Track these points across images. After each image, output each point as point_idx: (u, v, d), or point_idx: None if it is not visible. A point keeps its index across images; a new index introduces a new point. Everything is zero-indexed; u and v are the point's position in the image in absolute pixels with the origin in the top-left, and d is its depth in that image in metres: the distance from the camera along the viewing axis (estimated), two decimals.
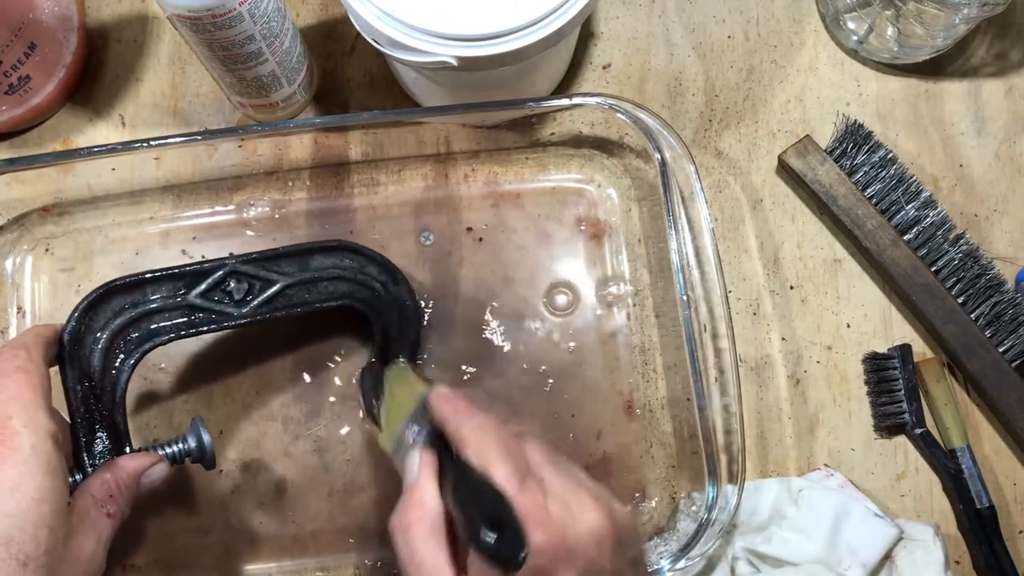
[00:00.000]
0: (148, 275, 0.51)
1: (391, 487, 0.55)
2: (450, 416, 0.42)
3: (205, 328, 0.51)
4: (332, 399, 0.56)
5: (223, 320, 0.52)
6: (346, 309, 0.54)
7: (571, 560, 0.37)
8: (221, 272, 0.52)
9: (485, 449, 0.39)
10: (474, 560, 0.37)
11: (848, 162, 0.59)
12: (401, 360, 0.51)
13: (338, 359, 0.57)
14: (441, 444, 0.42)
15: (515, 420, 0.52)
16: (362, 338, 0.56)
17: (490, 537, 0.36)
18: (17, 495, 0.37)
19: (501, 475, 0.38)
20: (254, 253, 0.53)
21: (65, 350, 0.47)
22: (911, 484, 0.57)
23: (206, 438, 0.47)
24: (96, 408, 0.47)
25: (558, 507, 0.38)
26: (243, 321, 0.52)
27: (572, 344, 0.57)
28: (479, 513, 0.37)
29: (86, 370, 0.48)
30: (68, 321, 0.48)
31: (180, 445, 0.48)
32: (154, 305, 0.51)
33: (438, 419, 0.42)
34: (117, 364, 0.49)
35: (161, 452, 0.47)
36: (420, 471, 0.41)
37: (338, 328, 0.57)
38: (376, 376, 0.51)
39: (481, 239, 0.59)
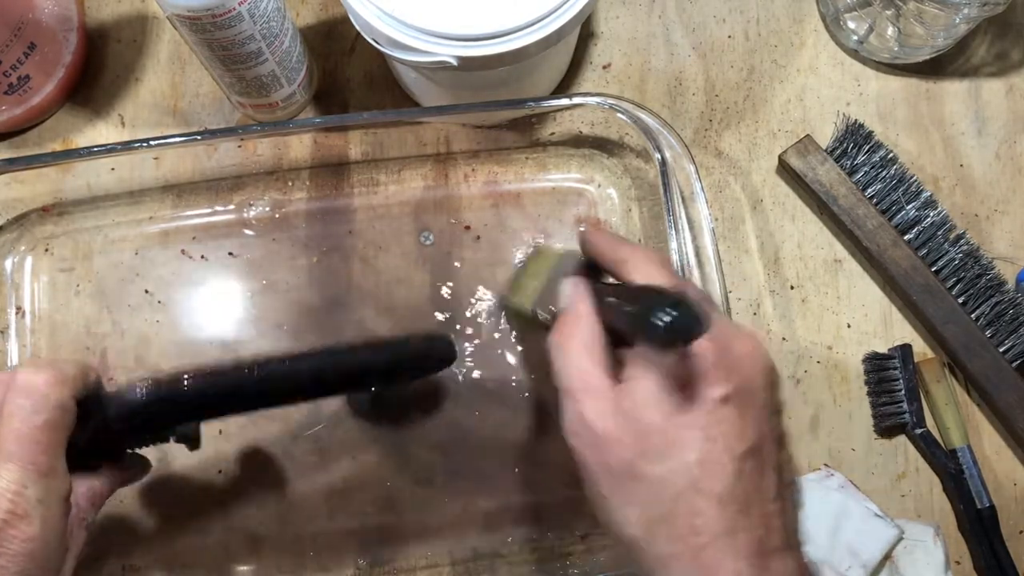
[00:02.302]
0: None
1: (391, 487, 0.55)
2: (606, 244, 0.44)
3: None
4: (331, 399, 0.56)
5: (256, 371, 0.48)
6: None
7: (732, 370, 0.37)
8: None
9: (647, 267, 0.41)
10: (637, 356, 0.38)
11: (848, 162, 0.59)
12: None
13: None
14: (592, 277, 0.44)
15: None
16: (361, 337, 0.56)
17: (666, 315, 0.35)
18: (27, 566, 0.37)
19: (667, 283, 0.40)
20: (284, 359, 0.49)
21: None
22: (911, 484, 0.57)
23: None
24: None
25: (718, 330, 0.38)
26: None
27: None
28: (648, 309, 0.36)
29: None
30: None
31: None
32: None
33: (593, 249, 0.44)
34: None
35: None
36: (574, 294, 0.43)
37: (338, 328, 0.57)
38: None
39: (481, 239, 0.59)
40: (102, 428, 0.42)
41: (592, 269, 0.45)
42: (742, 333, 0.39)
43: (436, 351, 0.52)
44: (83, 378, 0.41)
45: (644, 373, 0.38)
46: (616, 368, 0.40)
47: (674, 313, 0.35)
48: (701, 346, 0.37)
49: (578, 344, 0.40)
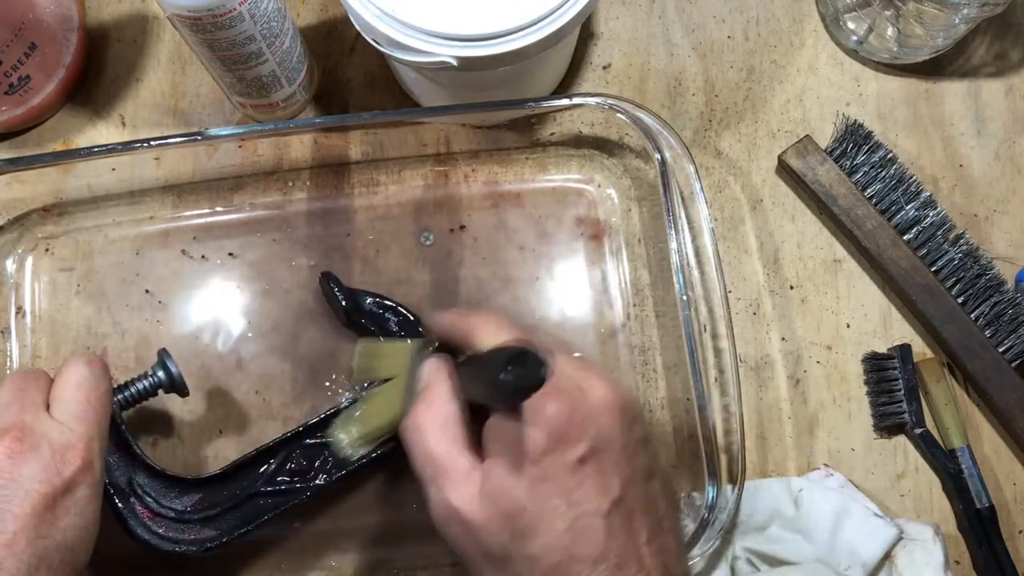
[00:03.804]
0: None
1: (392, 486, 0.55)
2: (451, 321, 0.43)
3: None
4: (332, 399, 0.56)
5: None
6: None
7: (584, 427, 0.38)
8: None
9: (493, 330, 0.41)
10: (493, 428, 0.38)
11: (848, 162, 0.59)
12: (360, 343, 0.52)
13: (338, 358, 0.56)
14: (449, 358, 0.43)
15: None
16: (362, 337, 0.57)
17: (509, 372, 0.35)
18: (88, 514, 0.41)
19: (512, 340, 0.40)
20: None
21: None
22: (911, 484, 0.57)
23: (173, 367, 0.50)
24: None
25: (569, 381, 0.39)
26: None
27: (572, 344, 0.57)
28: (492, 369, 0.36)
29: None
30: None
31: (150, 379, 0.50)
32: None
33: (443, 331, 0.44)
34: None
35: (134, 388, 0.49)
36: (431, 373, 0.43)
37: (338, 328, 0.57)
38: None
39: (481, 239, 0.59)
40: None
41: (453, 351, 0.45)
42: (592, 377, 0.40)
43: None
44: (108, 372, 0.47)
45: (501, 449, 0.38)
46: (479, 443, 0.40)
47: (513, 367, 0.35)
48: (550, 409, 0.37)
49: (434, 425, 0.40)
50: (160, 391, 0.50)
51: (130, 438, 0.49)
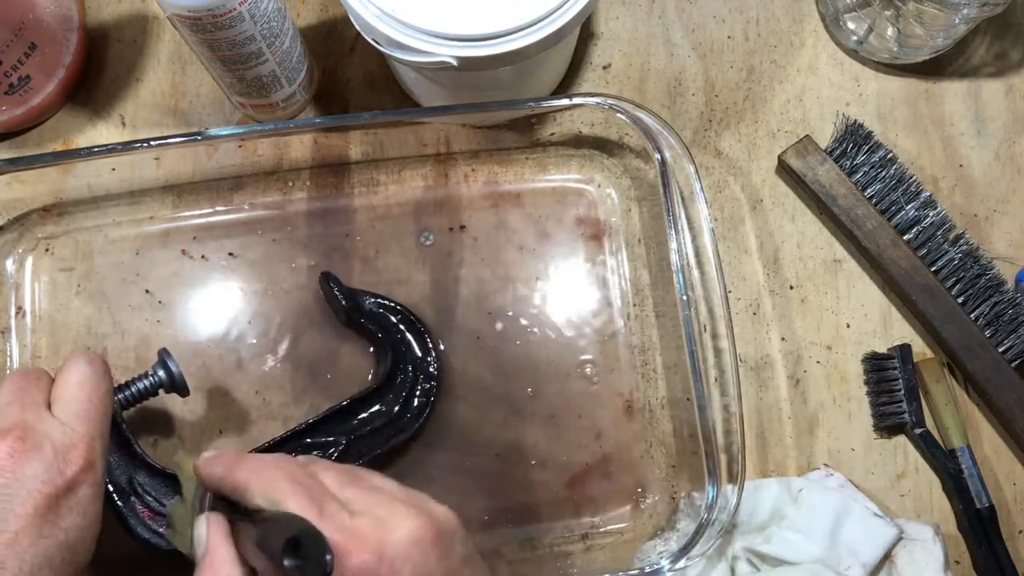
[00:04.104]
0: None
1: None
2: (221, 470, 0.41)
3: None
4: (332, 399, 0.56)
5: None
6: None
7: (395, 572, 0.36)
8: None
9: (271, 485, 0.38)
10: None
11: (848, 162, 0.59)
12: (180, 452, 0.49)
13: (338, 358, 0.56)
14: (227, 507, 0.41)
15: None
16: (363, 337, 0.56)
17: (294, 561, 0.33)
18: (90, 513, 0.41)
19: (295, 506, 0.36)
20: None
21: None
22: (911, 484, 0.57)
23: (173, 367, 0.49)
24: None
25: (368, 522, 0.37)
26: None
27: (572, 344, 0.57)
28: (276, 548, 0.34)
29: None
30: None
31: (150, 378, 0.50)
32: None
33: (213, 479, 0.41)
34: None
35: (135, 387, 0.49)
36: (209, 536, 0.39)
37: (338, 328, 0.57)
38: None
39: (481, 239, 0.59)
40: None
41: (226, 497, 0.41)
42: (396, 511, 0.37)
43: None
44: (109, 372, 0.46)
45: None
46: None
47: (297, 554, 0.33)
48: (355, 565, 0.35)
49: None
50: (161, 391, 0.50)
51: (131, 437, 0.49)
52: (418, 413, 0.54)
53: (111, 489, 0.48)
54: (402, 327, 0.55)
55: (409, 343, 0.55)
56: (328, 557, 0.33)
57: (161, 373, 0.50)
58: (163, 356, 0.50)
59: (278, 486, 0.38)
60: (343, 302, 0.54)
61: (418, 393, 0.54)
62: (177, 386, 0.50)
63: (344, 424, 0.53)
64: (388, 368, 0.54)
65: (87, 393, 0.43)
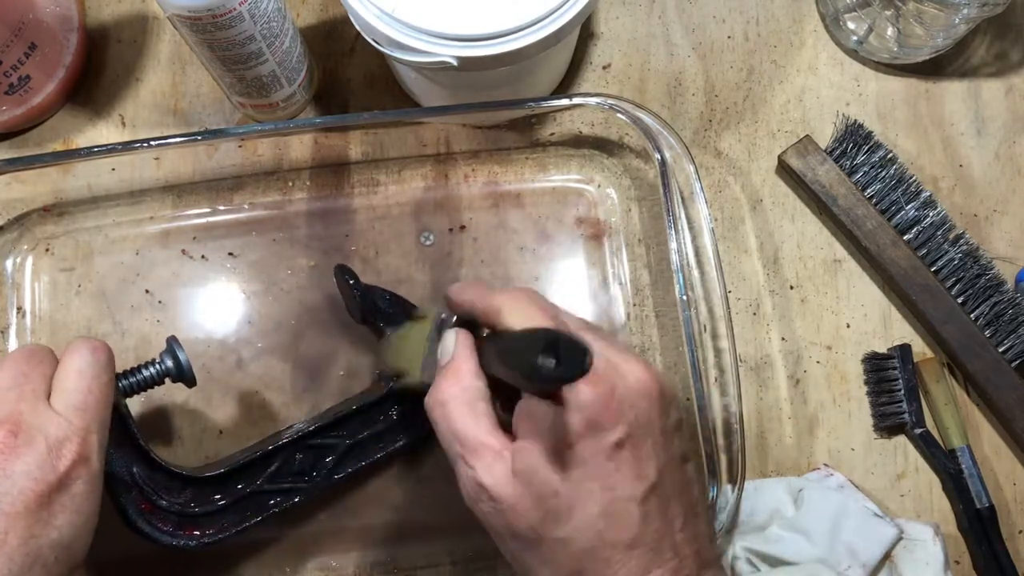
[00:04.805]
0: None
1: (392, 487, 0.55)
2: (477, 294, 0.42)
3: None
4: (333, 399, 0.56)
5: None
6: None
7: (622, 412, 0.37)
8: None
9: (525, 311, 0.40)
10: (525, 410, 0.37)
11: (848, 162, 0.59)
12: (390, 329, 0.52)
13: (338, 358, 0.56)
14: (469, 330, 0.42)
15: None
16: (363, 337, 0.56)
17: (550, 360, 0.33)
18: (84, 509, 0.40)
19: (545, 322, 0.38)
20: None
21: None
22: (911, 484, 0.57)
23: (182, 356, 0.48)
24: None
25: (603, 363, 0.38)
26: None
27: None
28: (528, 353, 0.34)
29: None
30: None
31: (157, 366, 0.48)
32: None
33: (466, 305, 0.43)
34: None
35: (140, 374, 0.48)
36: (456, 347, 0.42)
37: (338, 328, 0.57)
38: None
39: (481, 239, 0.59)
40: None
41: (471, 324, 0.44)
42: (630, 360, 0.39)
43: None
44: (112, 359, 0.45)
45: (534, 429, 0.37)
46: (508, 419, 0.39)
47: (554, 355, 0.34)
48: (587, 393, 0.37)
49: (460, 403, 0.39)
50: (167, 379, 0.49)
51: (135, 429, 0.48)
52: (423, 421, 0.54)
53: (111, 481, 0.47)
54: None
55: None
56: (587, 356, 0.33)
57: (169, 362, 0.48)
58: (171, 344, 0.49)
59: (530, 311, 0.40)
60: (358, 298, 0.53)
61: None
62: (184, 375, 0.49)
63: (345, 427, 0.53)
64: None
65: (87, 383, 0.42)
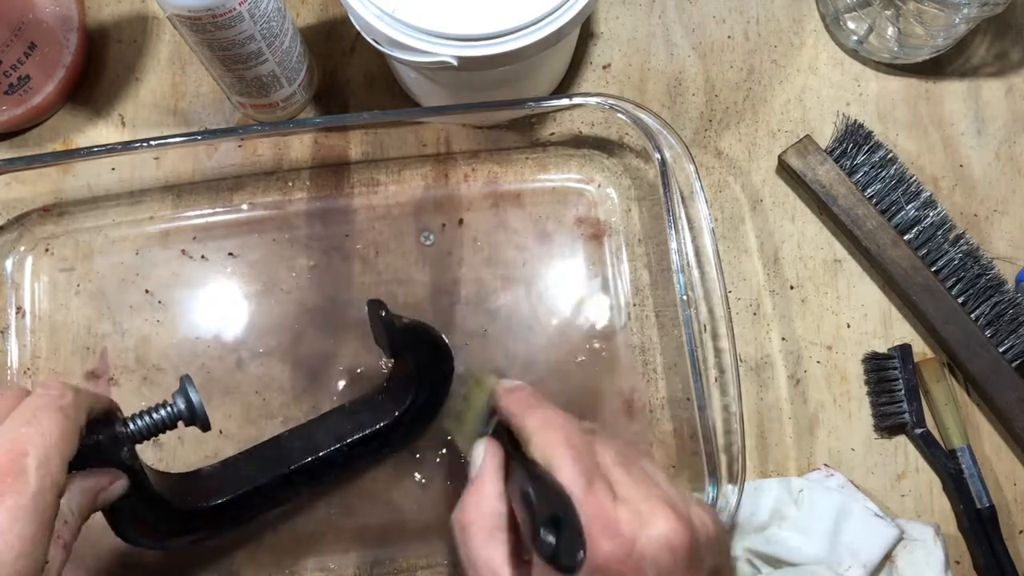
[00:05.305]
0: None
1: (391, 486, 0.55)
2: (515, 409, 0.40)
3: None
4: (333, 399, 0.56)
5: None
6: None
7: (640, 570, 0.35)
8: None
9: (551, 446, 0.38)
10: (537, 560, 0.35)
11: (848, 162, 0.59)
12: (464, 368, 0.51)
13: (338, 358, 0.56)
14: (509, 438, 0.41)
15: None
16: (363, 338, 0.56)
17: (550, 539, 0.33)
18: (13, 535, 0.33)
19: (567, 475, 0.36)
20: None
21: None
22: (911, 484, 0.57)
23: (195, 397, 0.44)
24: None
25: (628, 513, 0.36)
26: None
27: (572, 344, 0.57)
28: (541, 512, 0.34)
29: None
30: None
31: (169, 408, 0.44)
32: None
33: (504, 412, 0.41)
34: None
35: (150, 418, 0.44)
36: (483, 464, 0.40)
37: (338, 328, 0.57)
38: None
39: (481, 239, 0.59)
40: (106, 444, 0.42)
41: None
42: (658, 508, 0.36)
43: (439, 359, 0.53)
44: (94, 399, 0.41)
45: (549, 571, 0.35)
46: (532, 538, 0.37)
47: (556, 538, 0.33)
48: (603, 547, 0.34)
49: (479, 529, 0.38)
50: (180, 423, 0.44)
51: (148, 480, 0.45)
52: (419, 430, 0.54)
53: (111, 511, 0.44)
54: (434, 358, 0.54)
55: (435, 374, 0.54)
56: (581, 554, 0.33)
57: (181, 404, 0.44)
58: (185, 384, 0.44)
59: (556, 450, 0.37)
60: (389, 335, 0.51)
61: (423, 413, 0.54)
62: (197, 419, 0.44)
63: (342, 428, 0.53)
64: (410, 399, 0.53)
65: (31, 410, 0.37)
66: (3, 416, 0.37)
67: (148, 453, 0.55)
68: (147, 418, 0.44)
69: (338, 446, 0.52)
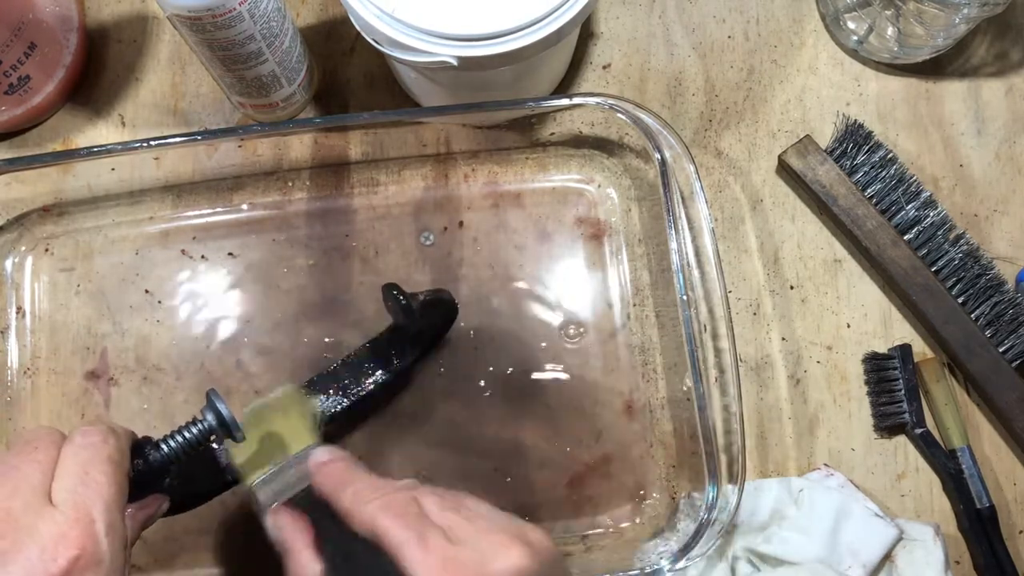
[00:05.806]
0: None
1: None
2: (329, 488, 0.41)
3: None
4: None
5: None
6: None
7: None
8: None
9: (371, 518, 0.38)
10: None
11: (848, 162, 0.59)
12: (290, 386, 0.49)
13: (338, 358, 0.56)
14: (319, 507, 0.41)
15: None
16: (363, 337, 0.56)
17: None
18: None
19: (395, 537, 0.36)
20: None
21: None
22: (911, 484, 0.57)
23: (224, 410, 0.42)
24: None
25: (470, 552, 0.36)
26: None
27: (572, 344, 0.57)
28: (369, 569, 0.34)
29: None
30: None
31: (201, 425, 0.43)
32: None
33: (320, 490, 0.41)
34: None
35: (181, 438, 0.43)
36: (293, 539, 0.40)
37: (338, 326, 0.57)
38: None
39: (481, 239, 0.59)
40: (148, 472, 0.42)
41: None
42: (496, 536, 0.37)
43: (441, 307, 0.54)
44: (129, 434, 0.42)
45: None
46: None
47: None
48: None
49: None
50: (212, 439, 0.43)
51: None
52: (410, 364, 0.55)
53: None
54: (446, 317, 0.56)
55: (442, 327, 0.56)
56: None
57: (211, 418, 0.42)
58: (211, 398, 0.42)
59: (377, 519, 0.38)
60: (406, 317, 0.52)
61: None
62: (230, 429, 0.42)
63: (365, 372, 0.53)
64: (411, 355, 0.54)
65: (81, 466, 0.37)
66: (48, 470, 0.37)
67: None
68: (179, 438, 0.43)
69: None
